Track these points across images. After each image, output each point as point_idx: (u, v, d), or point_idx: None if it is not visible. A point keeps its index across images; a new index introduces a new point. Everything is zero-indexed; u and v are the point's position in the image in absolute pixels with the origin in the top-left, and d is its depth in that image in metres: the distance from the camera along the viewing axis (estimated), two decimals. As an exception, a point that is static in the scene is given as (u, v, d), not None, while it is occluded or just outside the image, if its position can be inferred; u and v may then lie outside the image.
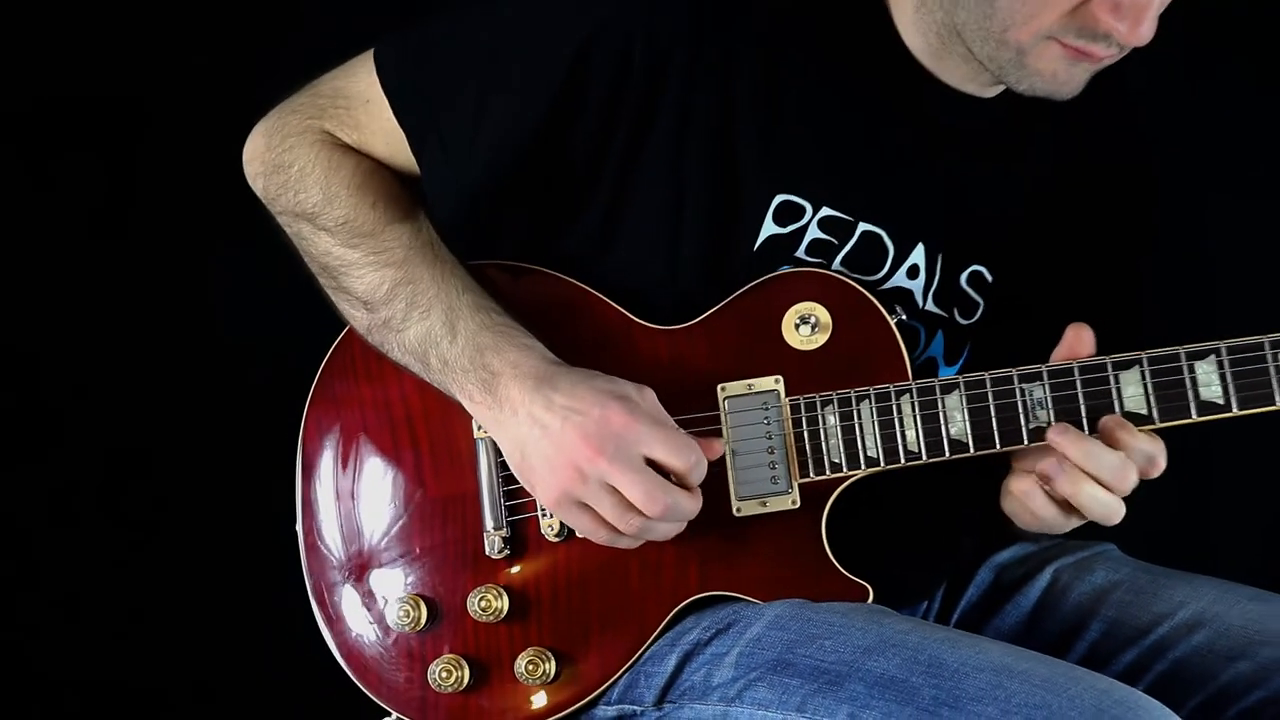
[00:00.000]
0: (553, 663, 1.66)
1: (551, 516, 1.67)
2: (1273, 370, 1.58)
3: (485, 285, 1.69)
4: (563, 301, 1.70)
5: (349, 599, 1.71)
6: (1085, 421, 1.60)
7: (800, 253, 1.69)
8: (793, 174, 1.67)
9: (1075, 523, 1.65)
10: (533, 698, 1.67)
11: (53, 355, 2.59)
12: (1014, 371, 1.62)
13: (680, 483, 1.59)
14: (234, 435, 2.55)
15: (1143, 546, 1.86)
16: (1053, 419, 1.61)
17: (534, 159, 1.68)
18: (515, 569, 1.68)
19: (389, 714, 1.70)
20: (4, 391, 2.59)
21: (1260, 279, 2.55)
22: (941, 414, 1.63)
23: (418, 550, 1.70)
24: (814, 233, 1.69)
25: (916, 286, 1.73)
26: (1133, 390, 1.60)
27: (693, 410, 1.65)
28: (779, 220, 1.68)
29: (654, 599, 1.66)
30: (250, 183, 1.74)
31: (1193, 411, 1.60)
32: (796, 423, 1.65)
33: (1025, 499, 1.63)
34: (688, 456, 1.58)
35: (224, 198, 1.86)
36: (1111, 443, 1.58)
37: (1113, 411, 1.60)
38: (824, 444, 1.65)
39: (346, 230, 1.67)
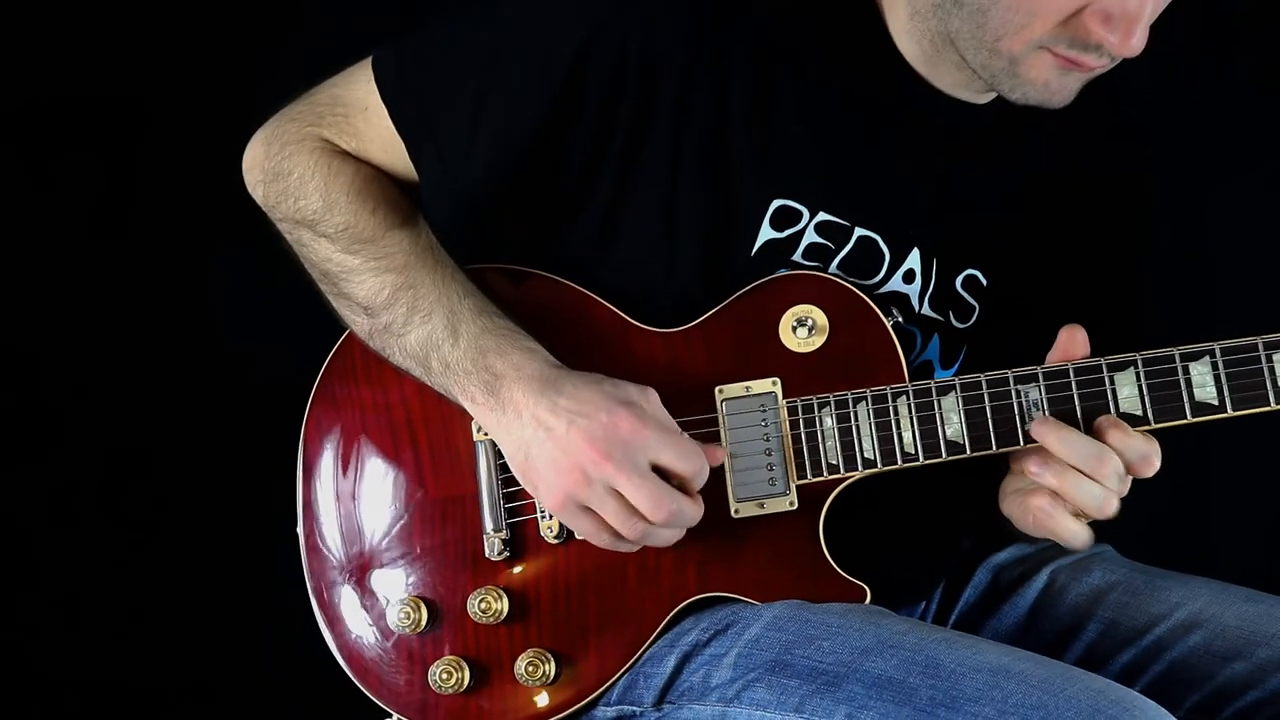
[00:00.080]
0: (552, 664, 1.67)
1: (551, 518, 1.67)
2: (1266, 371, 1.59)
3: (484, 289, 1.69)
4: (560, 304, 1.70)
5: (349, 600, 1.71)
6: (1081, 423, 1.60)
7: (797, 257, 1.70)
8: (790, 179, 1.68)
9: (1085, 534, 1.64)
10: (533, 699, 1.67)
11: (53, 355, 2.60)
12: (1009, 373, 1.62)
13: (681, 488, 1.59)
14: (234, 436, 2.55)
15: (1139, 547, 1.87)
16: (1048, 420, 1.61)
17: (534, 159, 1.68)
18: (515, 571, 1.69)
19: (389, 715, 1.71)
20: (4, 391, 2.59)
21: (1259, 279, 2.55)
22: (938, 416, 1.63)
23: (418, 552, 1.70)
24: (810, 237, 1.69)
25: (912, 291, 1.73)
26: (1128, 391, 1.61)
27: (690, 412, 1.66)
28: (776, 225, 1.68)
29: (653, 600, 1.67)
30: (250, 190, 1.74)
31: (1188, 412, 1.60)
32: (794, 425, 1.66)
33: (1046, 519, 1.62)
34: (694, 463, 1.59)
35: (224, 198, 1.86)
36: (1105, 442, 1.58)
37: (1108, 412, 1.60)
38: (821, 446, 1.65)
39: (346, 236, 1.67)
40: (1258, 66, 2.55)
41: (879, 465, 1.64)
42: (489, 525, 1.68)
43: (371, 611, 1.70)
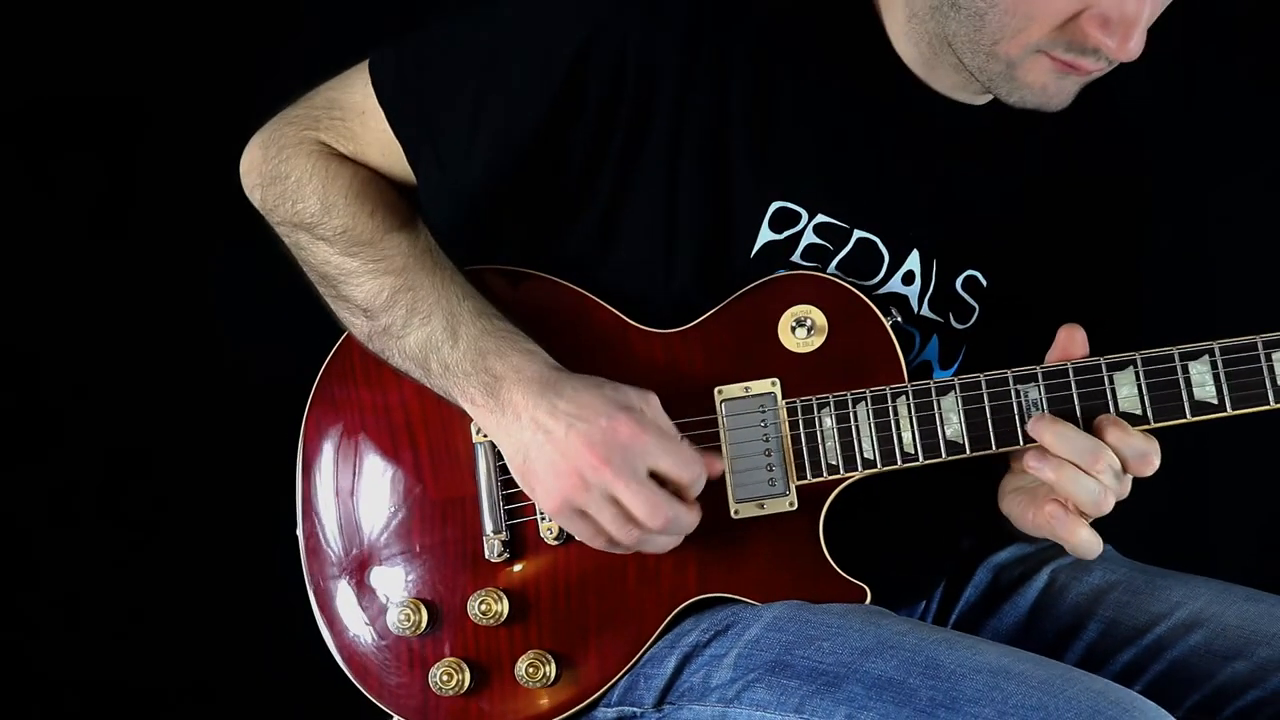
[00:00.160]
0: (553, 665, 1.67)
1: (550, 520, 1.67)
2: (1265, 370, 1.59)
3: (483, 290, 1.69)
4: (559, 305, 1.70)
5: (349, 602, 1.71)
6: (1080, 422, 1.60)
7: (796, 258, 1.69)
8: (789, 180, 1.68)
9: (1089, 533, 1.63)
10: (533, 700, 1.67)
11: (53, 355, 2.60)
12: (1009, 373, 1.62)
13: (679, 495, 1.59)
14: (234, 436, 2.55)
15: (1139, 547, 1.87)
16: (1047, 420, 1.61)
17: (534, 159, 1.68)
18: (515, 572, 1.69)
19: (389, 717, 1.70)
20: (4, 391, 2.60)
21: (1259, 279, 2.55)
22: (937, 415, 1.63)
23: (417, 553, 1.70)
24: (809, 239, 1.69)
25: (912, 292, 1.73)
26: (1127, 390, 1.61)
27: (690, 413, 1.65)
28: (775, 226, 1.68)
29: (653, 601, 1.67)
30: (248, 194, 1.74)
31: (1187, 411, 1.60)
32: (793, 425, 1.66)
33: (1059, 527, 1.62)
34: (692, 470, 1.59)
35: (224, 198, 1.85)
36: (1104, 440, 1.58)
37: (1107, 412, 1.60)
38: (821, 446, 1.65)
39: (345, 239, 1.67)
40: (1257, 66, 2.55)
41: (879, 465, 1.64)
42: (489, 527, 1.68)
43: (371, 613, 1.70)
